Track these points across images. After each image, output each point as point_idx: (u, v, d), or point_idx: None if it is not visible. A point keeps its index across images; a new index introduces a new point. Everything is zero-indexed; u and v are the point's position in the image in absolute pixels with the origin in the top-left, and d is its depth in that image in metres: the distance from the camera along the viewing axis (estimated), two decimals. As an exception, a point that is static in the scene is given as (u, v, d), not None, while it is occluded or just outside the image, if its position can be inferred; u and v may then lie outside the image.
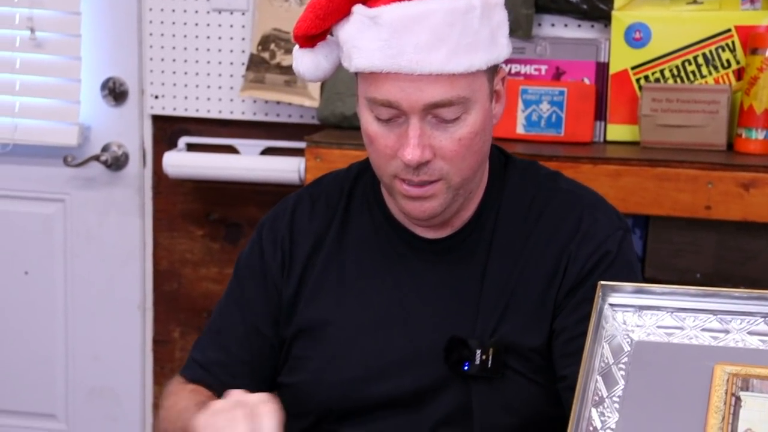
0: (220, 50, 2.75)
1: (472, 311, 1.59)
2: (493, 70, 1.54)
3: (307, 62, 1.57)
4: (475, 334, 1.58)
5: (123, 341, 3.00)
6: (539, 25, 2.53)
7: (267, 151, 2.79)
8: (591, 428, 1.20)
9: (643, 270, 2.33)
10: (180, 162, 2.78)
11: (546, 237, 1.60)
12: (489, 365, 1.56)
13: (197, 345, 1.72)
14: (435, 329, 1.60)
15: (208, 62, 2.77)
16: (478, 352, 1.56)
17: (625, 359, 1.24)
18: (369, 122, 1.53)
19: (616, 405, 1.21)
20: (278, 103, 2.73)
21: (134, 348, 3.00)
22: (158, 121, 2.88)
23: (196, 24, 2.75)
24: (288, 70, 2.63)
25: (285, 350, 1.67)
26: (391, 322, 1.61)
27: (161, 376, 2.96)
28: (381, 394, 1.61)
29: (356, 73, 1.54)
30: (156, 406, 2.92)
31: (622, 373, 1.23)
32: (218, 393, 1.61)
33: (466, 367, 1.57)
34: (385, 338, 1.61)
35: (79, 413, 3.05)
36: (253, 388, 1.64)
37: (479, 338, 1.57)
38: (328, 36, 1.56)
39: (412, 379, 1.60)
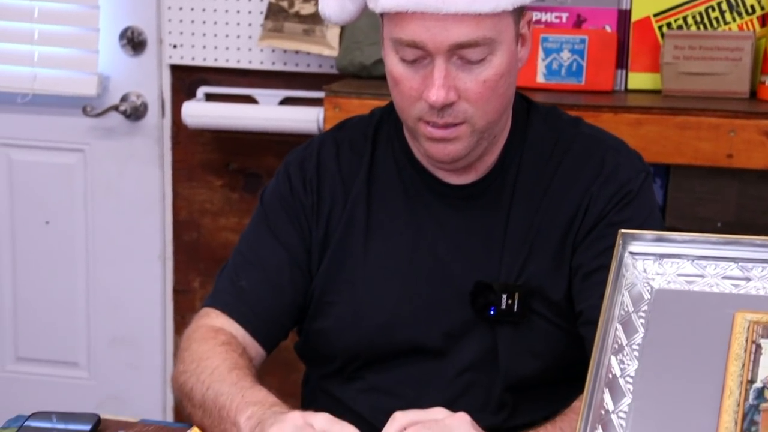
0: (238, -1, 2.74)
1: (497, 256, 1.60)
2: (519, 13, 1.53)
3: (332, 4, 1.57)
4: (499, 278, 1.59)
5: (144, 291, 3.02)
6: (560, -29, 2.51)
7: (286, 101, 2.79)
8: (610, 376, 1.20)
9: (663, 219, 2.32)
10: (199, 112, 2.78)
11: (568, 180, 1.61)
12: (515, 309, 1.57)
13: (225, 276, 1.67)
14: (460, 275, 1.60)
15: (227, 11, 2.76)
16: (504, 296, 1.57)
17: (645, 307, 1.24)
18: (394, 64, 1.52)
19: (636, 353, 1.21)
20: (297, 52, 2.72)
21: (155, 297, 3.02)
22: (177, 70, 2.88)
23: (214, -28, 2.74)
24: (307, 18, 2.61)
25: (310, 295, 1.67)
26: (417, 268, 1.62)
27: (182, 325, 2.97)
28: (407, 340, 1.62)
29: (381, 15, 1.53)
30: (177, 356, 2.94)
31: (642, 321, 1.23)
32: (251, 328, 1.61)
33: (491, 312, 1.58)
34: (412, 284, 1.62)
35: (100, 361, 3.07)
36: (285, 321, 1.65)
37: (504, 283, 1.58)
38: None
39: (438, 324, 1.61)
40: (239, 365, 1.51)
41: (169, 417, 2.99)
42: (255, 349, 1.62)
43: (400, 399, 1.63)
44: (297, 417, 1.29)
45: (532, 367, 1.61)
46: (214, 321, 1.62)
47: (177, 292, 3.01)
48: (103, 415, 1.56)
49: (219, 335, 1.59)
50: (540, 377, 1.62)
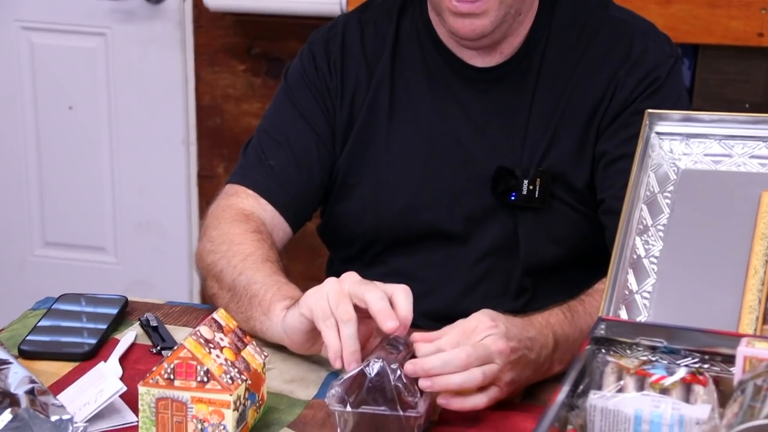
0: None
1: (520, 141, 1.59)
2: None
3: None
4: (521, 164, 1.58)
5: (168, 176, 3.03)
6: None
7: (308, -18, 2.74)
8: (635, 256, 1.21)
9: (690, 101, 2.29)
10: (220, -6, 2.75)
11: (595, 65, 1.58)
12: (536, 195, 1.57)
13: (251, 154, 1.66)
14: (482, 159, 1.59)
15: None
16: (525, 182, 1.57)
17: (671, 188, 1.24)
18: None
19: (661, 233, 1.21)
20: (318, -68, 2.67)
21: (179, 183, 3.03)
22: (197, -48, 2.84)
23: None
24: None
25: (334, 176, 1.66)
26: (440, 152, 1.61)
27: (206, 211, 2.99)
28: (428, 223, 1.62)
29: None
30: (202, 240, 2.96)
31: (668, 201, 1.23)
32: (280, 206, 1.61)
33: (512, 198, 1.58)
34: (433, 167, 1.61)
35: (127, 246, 3.11)
36: (312, 200, 1.65)
37: (526, 168, 1.57)
38: None
39: (459, 209, 1.61)
40: (272, 258, 1.51)
41: (195, 300, 3.03)
42: (283, 228, 1.62)
43: (422, 283, 1.64)
44: (331, 281, 1.31)
45: (552, 252, 1.61)
46: (243, 202, 1.62)
47: (201, 177, 3.01)
48: (131, 298, 1.57)
49: (250, 221, 1.58)
50: (560, 263, 1.62)
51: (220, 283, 1.51)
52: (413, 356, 1.24)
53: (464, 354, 1.22)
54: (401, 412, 1.18)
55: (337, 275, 1.40)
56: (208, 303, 1.60)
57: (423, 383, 1.21)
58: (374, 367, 1.20)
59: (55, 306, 1.53)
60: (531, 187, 1.57)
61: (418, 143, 1.62)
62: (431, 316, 1.63)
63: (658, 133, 1.27)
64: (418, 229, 1.63)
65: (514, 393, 1.30)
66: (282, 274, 1.48)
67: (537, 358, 1.30)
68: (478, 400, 1.25)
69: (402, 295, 1.28)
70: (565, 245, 1.61)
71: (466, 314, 1.61)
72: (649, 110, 1.27)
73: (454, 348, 1.23)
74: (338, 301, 1.27)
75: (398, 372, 1.20)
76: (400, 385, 1.19)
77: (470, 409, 1.25)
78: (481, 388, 1.25)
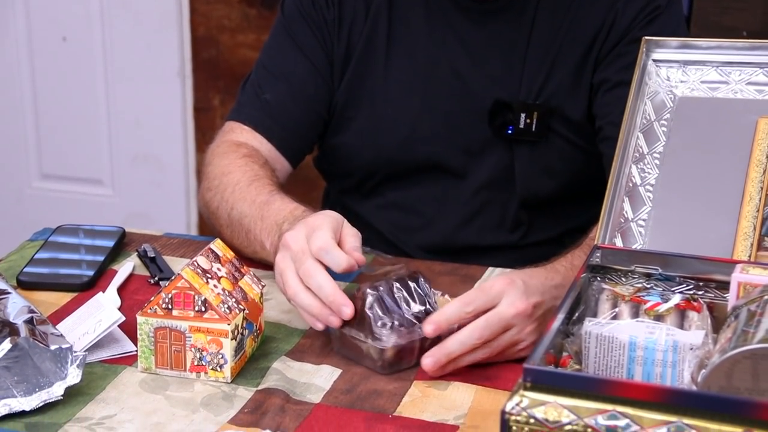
0: None
1: (518, 74, 1.58)
2: None
3: None
4: (519, 96, 1.57)
5: (164, 108, 3.01)
6: None
7: None
8: (630, 184, 1.20)
9: (688, 29, 2.27)
10: (213, -77, 2.71)
11: None
12: (533, 129, 1.56)
13: (248, 89, 1.65)
14: (480, 91, 1.59)
15: None
16: (522, 115, 1.56)
17: (667, 115, 1.23)
18: None
19: (657, 161, 1.21)
20: None
21: (175, 115, 3.01)
22: None
23: None
24: None
25: (332, 109, 1.65)
26: (438, 84, 1.60)
27: (203, 143, 2.99)
28: (425, 156, 1.62)
29: None
30: (200, 173, 2.96)
31: (664, 129, 1.22)
32: (276, 141, 1.60)
33: (509, 131, 1.57)
34: (432, 100, 1.60)
35: (124, 179, 3.10)
36: (310, 133, 1.64)
37: (523, 102, 1.56)
38: None
39: (456, 141, 1.60)
40: (259, 176, 1.51)
41: (193, 232, 3.03)
42: (281, 163, 1.62)
43: (419, 216, 1.65)
44: (299, 239, 1.26)
45: (549, 185, 1.61)
46: (238, 136, 1.62)
47: (197, 109, 3.00)
48: (128, 229, 1.58)
49: (240, 149, 1.58)
50: (555, 196, 1.62)
51: (219, 220, 1.51)
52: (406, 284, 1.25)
53: (477, 333, 1.19)
54: (370, 341, 1.20)
55: (334, 207, 1.40)
56: (206, 235, 1.60)
57: (427, 361, 1.20)
58: (366, 293, 1.22)
59: (52, 237, 1.53)
60: (528, 121, 1.56)
61: (415, 75, 1.61)
62: (428, 248, 1.64)
63: (655, 61, 1.26)
64: (416, 162, 1.63)
65: None
66: (267, 190, 1.47)
67: None
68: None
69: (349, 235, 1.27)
70: (561, 178, 1.60)
71: (462, 247, 1.62)
72: (646, 37, 1.26)
73: (470, 318, 1.20)
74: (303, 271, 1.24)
75: (373, 302, 1.21)
76: (371, 315, 1.20)
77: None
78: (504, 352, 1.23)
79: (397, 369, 1.22)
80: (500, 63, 1.58)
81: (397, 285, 1.24)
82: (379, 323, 1.21)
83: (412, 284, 1.25)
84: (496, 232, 1.63)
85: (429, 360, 1.20)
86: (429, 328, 1.19)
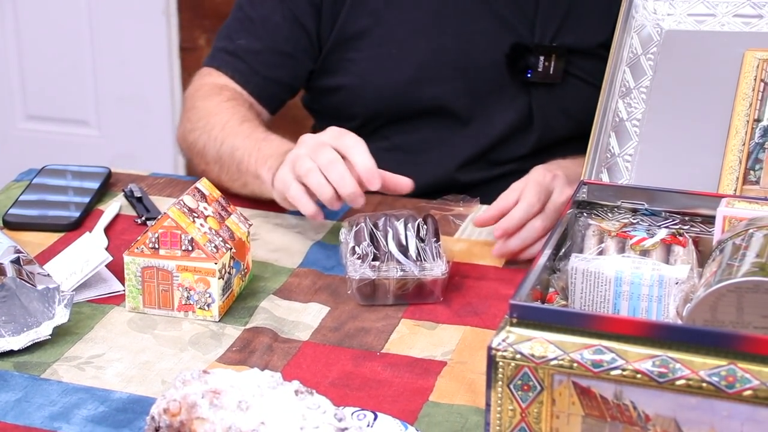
0: None
1: (530, 15, 1.55)
2: None
3: None
4: (534, 39, 1.54)
5: (149, 48, 2.99)
6: None
7: None
8: (617, 119, 1.20)
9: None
10: None
11: None
12: (551, 72, 1.54)
13: (224, 34, 1.63)
14: (491, 32, 1.55)
15: None
16: (541, 58, 1.54)
17: (654, 49, 1.22)
18: None
19: (643, 96, 1.20)
20: None
21: (161, 55, 2.99)
22: None
23: None
24: None
25: (326, 53, 1.60)
26: (445, 23, 1.56)
27: (189, 83, 2.95)
28: (433, 98, 1.58)
29: None
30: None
31: (651, 63, 1.21)
32: (251, 87, 1.58)
33: (528, 75, 1.55)
34: (438, 39, 1.56)
35: (109, 119, 3.08)
36: (288, 79, 1.61)
37: (541, 44, 1.54)
38: None
39: (465, 85, 1.57)
40: (248, 117, 1.49)
41: (180, 172, 3.02)
42: (257, 108, 1.59)
43: (422, 157, 1.61)
44: (308, 137, 1.32)
45: (565, 126, 1.59)
46: (217, 79, 1.59)
47: (183, 49, 2.97)
48: (114, 170, 1.57)
49: (224, 91, 1.56)
50: (571, 135, 1.59)
51: (205, 158, 1.50)
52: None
53: (540, 225, 1.31)
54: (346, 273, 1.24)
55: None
56: (193, 175, 1.59)
57: (498, 250, 1.31)
58: (356, 223, 1.26)
59: (38, 178, 1.52)
60: (546, 64, 1.54)
61: (421, 15, 1.56)
62: (429, 189, 1.61)
63: (641, -6, 1.25)
64: (422, 105, 1.59)
65: None
66: (261, 129, 1.46)
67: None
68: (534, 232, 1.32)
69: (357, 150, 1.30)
70: (577, 119, 1.58)
71: (463, 186, 1.59)
72: (633, -30, 1.25)
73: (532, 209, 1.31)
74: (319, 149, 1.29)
75: (357, 231, 1.24)
76: (347, 244, 1.24)
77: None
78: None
79: (371, 302, 1.23)
80: (511, 4, 1.55)
81: (396, 221, 1.24)
82: (354, 255, 1.22)
83: (416, 223, 1.25)
84: (506, 178, 1.61)
85: (498, 247, 1.32)
86: (498, 233, 1.30)
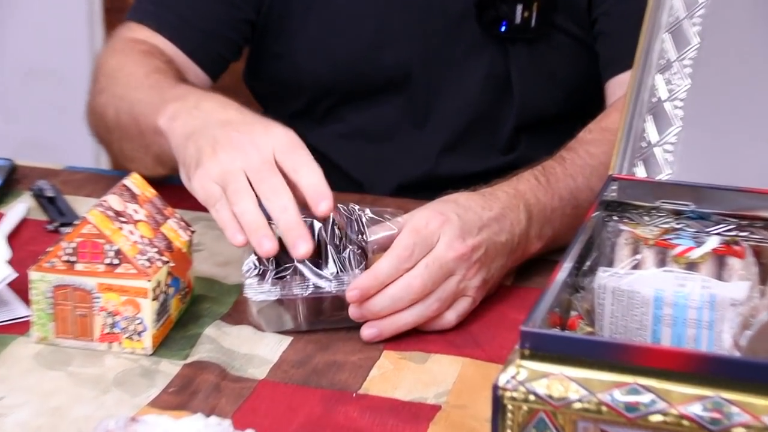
0: None
1: None
2: None
3: None
4: None
5: (65, 10, 3.02)
6: None
7: None
8: (654, 99, 1.20)
9: None
10: None
11: None
12: (531, 24, 1.56)
13: None
14: None
15: None
16: (519, 8, 1.55)
17: (701, 11, 1.22)
18: None
19: (688, 70, 1.20)
20: None
21: (80, 17, 3.01)
22: None
23: None
24: None
25: (268, 7, 1.62)
26: None
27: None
28: (394, 64, 1.61)
29: None
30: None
31: (697, 29, 1.22)
32: (182, 41, 1.58)
33: (503, 28, 1.56)
34: None
35: (14, 99, 3.11)
36: (228, 33, 1.62)
37: None
38: None
39: (432, 44, 1.59)
40: (160, 69, 1.49)
41: (104, 165, 3.02)
42: (193, 71, 1.60)
43: (391, 144, 1.63)
44: (260, 143, 1.23)
45: (551, 94, 1.62)
46: (135, 33, 1.60)
47: (108, 10, 2.98)
48: (19, 162, 1.57)
49: (138, 45, 1.57)
50: (559, 107, 1.63)
51: (105, 123, 1.50)
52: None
53: (418, 282, 1.19)
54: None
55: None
56: (120, 170, 1.59)
57: (367, 332, 1.21)
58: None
59: None
60: (526, 14, 1.55)
61: None
62: (407, 186, 1.62)
63: (685, -59, 1.25)
64: (383, 74, 1.62)
65: (492, 289, 1.29)
66: (172, 79, 1.45)
67: (509, 239, 1.27)
68: (446, 321, 1.24)
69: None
70: (564, 84, 1.62)
71: (447, 179, 1.61)
72: None
73: (407, 264, 1.20)
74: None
75: None
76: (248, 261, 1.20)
77: (441, 328, 1.24)
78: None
79: (279, 329, 1.22)
80: None
81: (318, 225, 1.21)
82: (254, 272, 1.19)
83: (329, 226, 1.22)
84: (487, 156, 1.63)
85: (369, 331, 1.20)
86: (353, 294, 1.18)
